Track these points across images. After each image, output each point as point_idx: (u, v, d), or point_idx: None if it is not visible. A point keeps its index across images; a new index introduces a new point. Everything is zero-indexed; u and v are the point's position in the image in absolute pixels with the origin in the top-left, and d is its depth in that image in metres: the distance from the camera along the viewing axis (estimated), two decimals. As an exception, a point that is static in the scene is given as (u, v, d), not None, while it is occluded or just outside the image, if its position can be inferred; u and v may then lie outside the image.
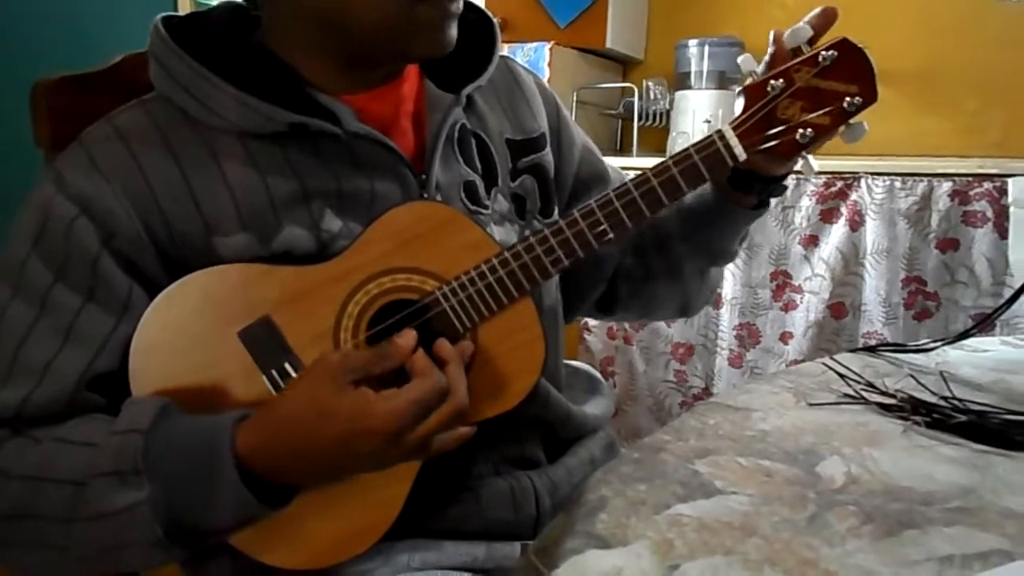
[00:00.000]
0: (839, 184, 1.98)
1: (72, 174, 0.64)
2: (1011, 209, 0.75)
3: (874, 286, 1.97)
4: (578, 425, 0.84)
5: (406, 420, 0.56)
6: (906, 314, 1.95)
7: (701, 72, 2.42)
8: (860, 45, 0.67)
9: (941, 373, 0.71)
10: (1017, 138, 2.21)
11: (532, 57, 2.38)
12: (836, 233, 2.00)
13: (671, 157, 0.65)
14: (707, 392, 2.21)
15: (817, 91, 0.65)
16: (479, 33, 0.78)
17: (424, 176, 0.70)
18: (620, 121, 2.72)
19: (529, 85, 0.85)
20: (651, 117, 2.50)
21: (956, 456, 0.55)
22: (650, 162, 2.35)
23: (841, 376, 0.69)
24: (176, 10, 1.43)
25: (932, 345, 0.79)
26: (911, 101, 2.37)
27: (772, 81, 0.65)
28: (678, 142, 2.43)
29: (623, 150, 2.74)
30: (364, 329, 0.64)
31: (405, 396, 0.56)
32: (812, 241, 2.04)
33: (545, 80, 2.36)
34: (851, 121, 0.67)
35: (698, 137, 2.32)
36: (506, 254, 0.64)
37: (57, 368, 0.61)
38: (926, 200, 1.90)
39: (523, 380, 0.65)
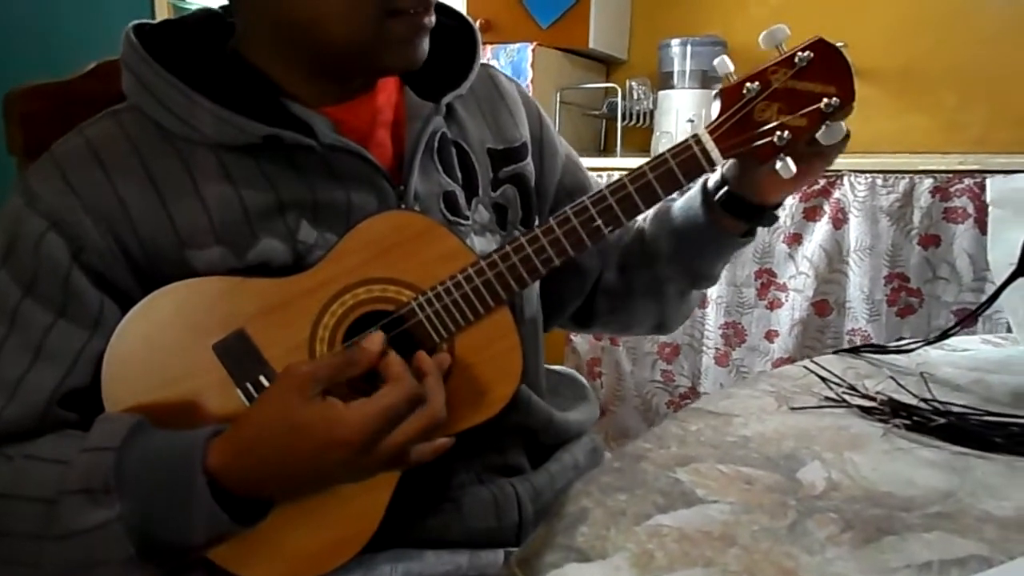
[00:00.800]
0: (822, 182, 1.99)
1: (42, 188, 0.63)
2: (989, 208, 0.75)
3: (858, 283, 1.98)
4: (561, 431, 0.84)
5: (377, 428, 0.55)
6: (889, 311, 1.96)
7: (684, 72, 2.42)
8: (836, 44, 0.66)
9: (922, 374, 0.71)
10: (997, 134, 2.23)
11: (515, 58, 2.37)
12: (819, 231, 2.01)
13: (647, 163, 0.65)
14: (694, 391, 2.22)
15: (794, 92, 0.64)
16: (460, 40, 0.77)
17: (402, 187, 0.70)
18: (604, 121, 2.72)
19: (511, 93, 0.84)
20: (635, 117, 2.50)
21: (936, 459, 0.55)
22: (634, 162, 2.35)
23: (823, 379, 0.69)
24: (153, 16, 1.41)
25: (913, 346, 0.79)
26: (893, 98, 2.38)
27: (748, 83, 0.64)
28: (662, 142, 2.43)
29: (607, 150, 2.74)
30: (340, 340, 0.64)
31: (376, 403, 0.56)
32: (796, 239, 2.04)
33: (528, 81, 2.37)
34: (829, 122, 0.66)
35: (682, 137, 2.32)
36: (482, 263, 0.63)
37: (28, 385, 0.60)
38: (908, 197, 1.91)
39: (502, 389, 0.65)
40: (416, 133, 0.71)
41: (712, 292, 2.12)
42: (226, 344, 0.63)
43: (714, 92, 0.66)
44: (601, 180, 2.27)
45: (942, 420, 0.58)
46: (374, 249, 0.64)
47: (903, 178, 1.91)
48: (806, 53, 0.64)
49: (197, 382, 0.63)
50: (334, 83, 0.69)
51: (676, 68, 2.43)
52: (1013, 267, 0.66)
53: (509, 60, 2.38)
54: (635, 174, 0.65)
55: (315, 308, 0.63)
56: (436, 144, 0.73)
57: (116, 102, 0.69)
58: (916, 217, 1.91)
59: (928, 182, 1.89)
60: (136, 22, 0.70)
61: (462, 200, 0.74)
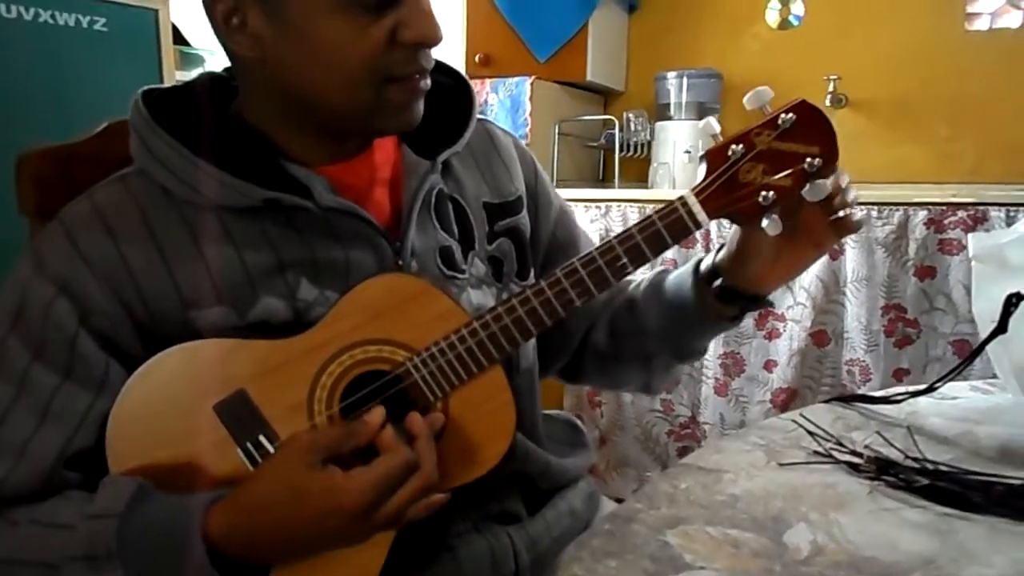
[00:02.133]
0: (818, 214, 2.00)
1: (51, 254, 0.65)
2: (972, 263, 0.77)
3: (855, 314, 1.99)
4: (557, 476, 0.85)
5: (373, 497, 0.57)
6: (887, 341, 1.97)
7: (680, 103, 2.46)
8: (818, 107, 0.67)
9: (908, 428, 0.72)
10: (991, 164, 2.26)
11: (514, 92, 2.41)
12: (816, 262, 2.02)
13: (635, 224, 0.67)
14: (694, 421, 2.22)
15: (778, 153, 0.65)
16: (456, 98, 0.79)
17: (399, 243, 0.72)
18: (602, 152, 2.75)
19: (507, 147, 0.86)
20: (632, 148, 2.53)
21: (920, 521, 0.56)
22: (632, 192, 2.37)
23: (811, 434, 0.71)
24: (161, 76, 1.44)
25: (900, 397, 0.80)
26: (888, 130, 2.41)
27: (733, 146, 0.66)
28: (659, 172, 2.46)
29: (605, 180, 2.77)
30: (337, 400, 0.65)
31: (372, 473, 0.57)
32: (792, 271, 2.06)
33: (527, 114, 2.40)
34: (812, 181, 0.68)
35: (678, 167, 2.34)
36: (475, 324, 0.65)
37: (35, 448, 0.62)
38: (903, 229, 1.93)
39: (495, 446, 0.66)
40: (413, 190, 0.73)
41: (710, 322, 2.13)
42: (227, 404, 0.64)
43: (700, 155, 0.68)
44: (599, 212, 2.28)
45: (924, 481, 0.59)
46: (370, 311, 0.65)
47: (897, 210, 1.93)
48: (789, 115, 0.65)
49: (199, 442, 0.64)
50: (332, 144, 0.71)
51: (673, 100, 2.47)
52: (995, 324, 0.68)
53: (508, 94, 2.42)
54: (624, 235, 0.67)
55: (313, 369, 0.65)
56: (433, 200, 0.75)
57: (125, 162, 0.72)
58: (911, 248, 1.93)
59: (922, 214, 1.91)
60: (145, 88, 0.73)
61: (458, 254, 0.76)
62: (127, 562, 0.56)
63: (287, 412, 0.65)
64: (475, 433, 0.66)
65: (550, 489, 0.85)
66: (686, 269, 0.79)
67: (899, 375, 1.97)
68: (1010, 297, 0.67)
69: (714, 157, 0.66)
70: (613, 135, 2.50)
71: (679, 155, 2.41)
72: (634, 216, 2.20)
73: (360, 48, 0.63)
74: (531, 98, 2.39)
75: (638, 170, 2.58)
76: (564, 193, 2.38)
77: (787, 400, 2.09)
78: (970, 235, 0.75)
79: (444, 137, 0.77)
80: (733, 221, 0.68)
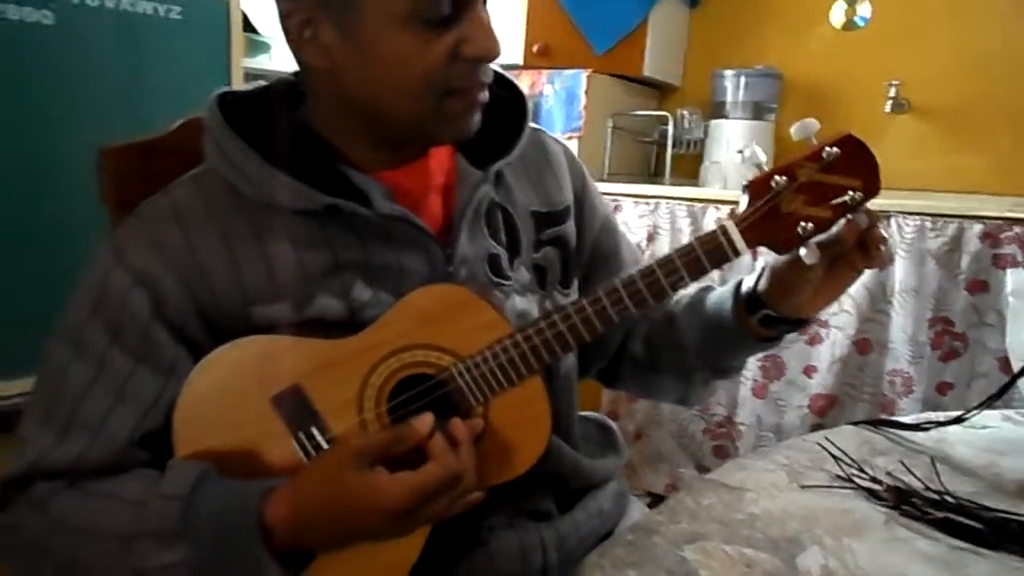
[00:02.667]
0: (869, 222, 1.99)
1: (130, 248, 0.71)
2: (1010, 299, 0.77)
3: (901, 324, 1.98)
4: (588, 476, 0.89)
5: (415, 501, 0.61)
6: (932, 354, 1.95)
7: (737, 102, 2.44)
8: (863, 140, 0.68)
9: (932, 458, 0.74)
10: (1054, 178, 2.20)
11: (569, 84, 2.42)
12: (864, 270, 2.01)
13: (676, 250, 0.69)
14: (730, 421, 2.24)
15: (820, 186, 0.67)
16: (510, 109, 0.83)
17: (450, 250, 0.75)
18: (655, 148, 2.75)
19: (558, 157, 0.89)
20: (685, 145, 2.52)
21: (932, 553, 0.58)
22: (682, 190, 2.35)
23: (834, 458, 0.73)
24: (230, 63, 1.51)
25: (928, 426, 0.82)
26: (946, 137, 2.36)
27: (776, 177, 0.67)
28: (711, 171, 2.46)
29: (656, 176, 2.77)
30: (385, 399, 0.70)
31: (417, 479, 0.62)
32: (841, 276, 2.05)
33: (582, 107, 2.42)
34: (851, 215, 0.69)
35: (730, 167, 2.34)
36: (518, 335, 0.69)
37: (110, 426, 0.68)
38: (956, 241, 1.90)
39: (530, 451, 0.70)
40: (465, 200, 0.77)
41: (753, 324, 2.14)
42: (283, 397, 0.69)
43: (743, 184, 0.70)
44: (648, 208, 2.30)
45: (939, 515, 0.61)
46: (419, 318, 0.70)
47: (952, 222, 1.90)
48: (834, 149, 0.66)
49: (256, 430, 0.70)
50: (390, 151, 0.76)
51: (729, 98, 2.45)
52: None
53: (564, 85, 2.43)
54: (664, 259, 0.69)
55: (364, 368, 0.70)
56: (484, 209, 0.79)
57: (200, 156, 0.77)
58: (964, 262, 1.90)
59: (978, 227, 1.88)
60: (220, 91, 0.78)
61: (505, 262, 0.80)
62: (191, 541, 0.62)
63: (338, 407, 0.70)
64: (512, 438, 0.70)
65: (581, 489, 0.89)
66: (727, 289, 0.81)
67: (943, 389, 1.95)
68: (1041, 338, 0.68)
69: (757, 187, 0.68)
70: (667, 131, 2.50)
71: (732, 154, 2.40)
72: (682, 213, 2.21)
73: (424, 62, 0.67)
74: (587, 91, 2.40)
75: (690, 167, 2.57)
76: (614, 187, 2.42)
77: (825, 407, 2.08)
78: (1009, 270, 0.76)
79: (497, 147, 0.80)
80: (772, 249, 0.70)
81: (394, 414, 0.70)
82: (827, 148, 0.67)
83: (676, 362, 0.88)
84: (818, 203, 0.67)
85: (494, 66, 0.75)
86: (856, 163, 0.67)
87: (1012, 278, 0.76)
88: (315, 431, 0.69)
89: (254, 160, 0.72)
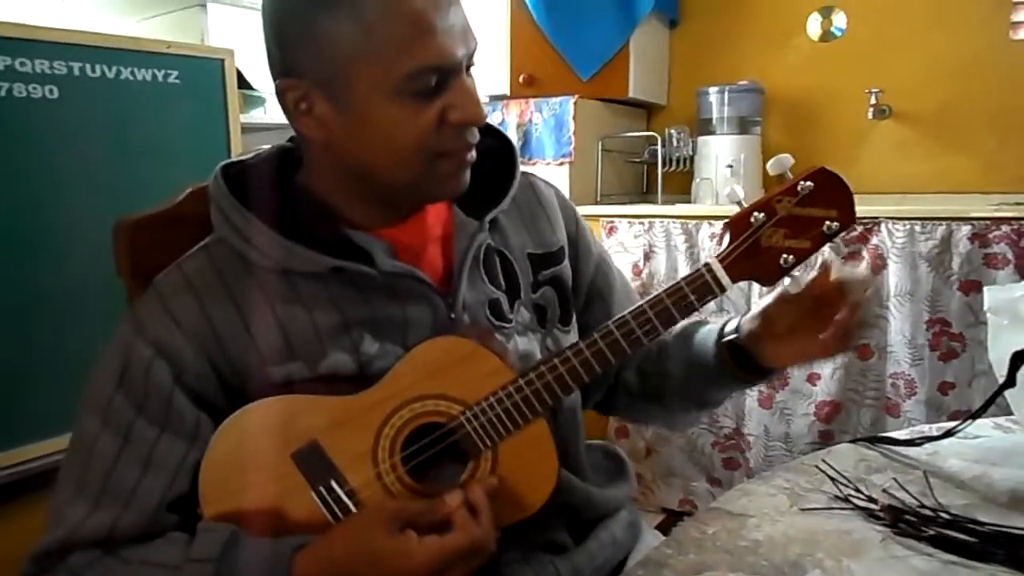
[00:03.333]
0: (859, 229, 2.03)
1: (148, 319, 0.75)
2: (988, 316, 0.81)
3: (899, 328, 2.01)
4: (599, 507, 0.92)
5: (440, 565, 0.65)
6: (932, 355, 1.98)
7: (723, 118, 2.49)
8: (835, 172, 0.71)
9: (925, 473, 0.77)
10: (1038, 173, 2.24)
11: (557, 111, 2.47)
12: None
13: (665, 289, 0.73)
14: (738, 433, 2.26)
15: (798, 219, 0.70)
16: (500, 158, 0.87)
17: (452, 299, 0.79)
18: (645, 167, 2.80)
19: (549, 199, 0.93)
20: (675, 163, 2.57)
21: (925, 569, 0.62)
22: (674, 209, 2.40)
23: (832, 479, 0.76)
24: (228, 119, 1.56)
25: (920, 440, 0.85)
26: (929, 140, 2.41)
27: (755, 213, 0.71)
28: (702, 187, 2.50)
29: (648, 195, 2.81)
30: (399, 449, 0.73)
31: (444, 544, 0.65)
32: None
33: (571, 132, 2.47)
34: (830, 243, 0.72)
35: (720, 182, 2.39)
36: (520, 381, 0.72)
37: (140, 495, 0.72)
38: (946, 243, 1.94)
39: (540, 490, 0.74)
40: (463, 249, 0.81)
41: (754, 336, 2.17)
42: (302, 453, 0.73)
43: (724, 222, 0.74)
44: (643, 228, 2.33)
45: (931, 532, 0.65)
46: (427, 370, 0.73)
47: (940, 224, 1.94)
48: (808, 183, 0.70)
49: (279, 486, 0.73)
50: (388, 209, 0.79)
51: (715, 114, 2.50)
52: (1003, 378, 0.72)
53: (552, 112, 2.48)
54: (654, 300, 0.73)
55: (377, 421, 0.73)
56: (481, 256, 0.83)
57: (205, 224, 0.80)
58: (955, 263, 1.93)
59: (966, 228, 1.92)
60: (224, 163, 0.82)
61: (505, 305, 0.83)
62: None
63: (355, 460, 0.73)
64: (521, 479, 0.73)
65: (593, 519, 0.92)
66: (714, 327, 0.85)
67: (945, 389, 1.99)
68: (1017, 354, 0.71)
69: (737, 224, 0.72)
70: (656, 150, 2.55)
71: (721, 169, 2.45)
72: (677, 231, 2.25)
73: (413, 130, 0.71)
74: (575, 116, 2.45)
75: (681, 184, 2.62)
76: (608, 209, 2.46)
77: (831, 413, 2.11)
78: (985, 288, 0.79)
79: (490, 195, 0.84)
80: (757, 282, 0.74)
81: (407, 463, 0.74)
82: (801, 182, 0.70)
83: (662, 390, 0.92)
84: (797, 235, 0.71)
85: (493, 119, 0.79)
86: (830, 194, 0.70)
87: (988, 295, 0.80)
88: (334, 484, 0.73)
89: (259, 228, 0.76)
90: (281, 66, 0.74)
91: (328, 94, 0.72)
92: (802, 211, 0.70)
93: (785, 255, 0.71)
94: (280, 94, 0.74)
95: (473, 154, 0.77)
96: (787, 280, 0.74)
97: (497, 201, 0.84)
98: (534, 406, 0.73)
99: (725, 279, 0.72)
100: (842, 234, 0.73)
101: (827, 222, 0.70)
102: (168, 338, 0.74)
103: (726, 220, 0.73)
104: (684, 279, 0.73)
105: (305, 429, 0.74)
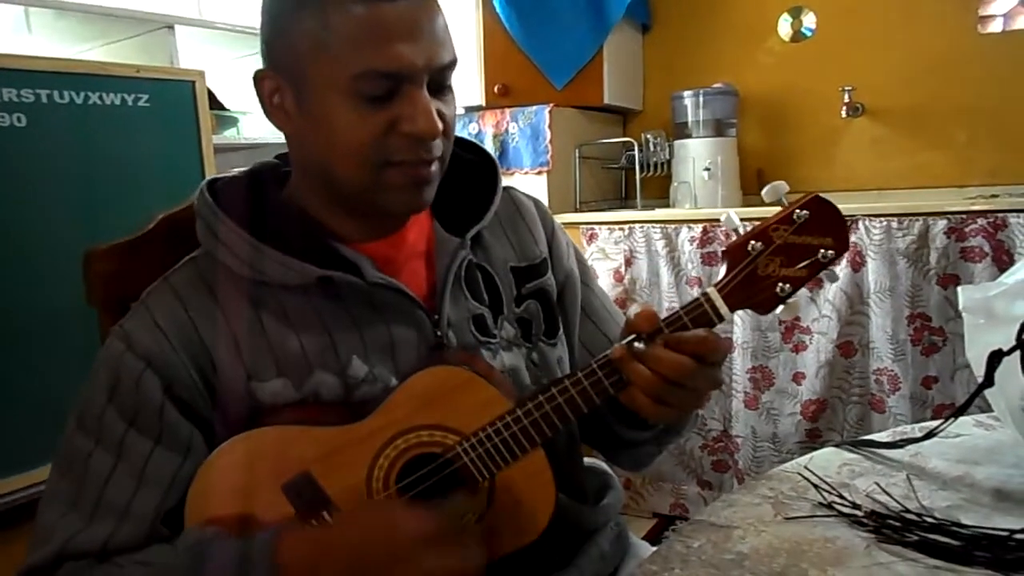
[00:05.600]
0: (838, 227, 2.04)
1: (137, 332, 0.74)
2: (964, 316, 0.81)
3: (880, 324, 2.02)
4: (589, 522, 0.91)
5: (424, 536, 0.64)
6: (914, 350, 2.00)
7: (698, 121, 2.50)
8: (830, 200, 0.69)
9: (908, 476, 0.77)
10: (1008, 166, 2.27)
11: (533, 120, 2.47)
12: (839, 274, 2.06)
13: (664, 319, 0.70)
14: (726, 435, 2.27)
15: (794, 247, 0.69)
16: (481, 173, 0.86)
17: (436, 316, 0.79)
18: (623, 173, 2.80)
19: (530, 211, 0.92)
20: (652, 167, 2.58)
21: (910, 574, 0.62)
22: (654, 213, 2.41)
23: (815, 487, 0.76)
24: (200, 140, 1.55)
25: (902, 442, 0.85)
26: (903, 137, 2.43)
27: (752, 242, 0.69)
28: (680, 191, 2.51)
29: (627, 200, 2.82)
30: (394, 480, 0.72)
31: (433, 512, 0.64)
32: (816, 283, 2.09)
33: (547, 141, 2.47)
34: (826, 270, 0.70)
35: (698, 185, 2.39)
36: (518, 411, 0.71)
37: (135, 509, 0.71)
38: (923, 239, 1.96)
39: (537, 521, 0.73)
40: (445, 267, 0.80)
41: (738, 337, 2.18)
42: (294, 484, 0.72)
43: (722, 251, 0.72)
44: (623, 233, 2.34)
45: (914, 538, 0.64)
46: (422, 400, 0.72)
47: (917, 220, 1.96)
48: (804, 212, 0.69)
49: (268, 517, 0.72)
50: (369, 223, 0.79)
51: (690, 118, 2.52)
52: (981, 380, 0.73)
53: (528, 122, 2.49)
54: (653, 331, 0.69)
55: (371, 452, 0.72)
56: (464, 273, 0.82)
57: (178, 250, 0.80)
58: (933, 258, 1.95)
59: (942, 223, 1.93)
60: (210, 178, 0.82)
61: (490, 320, 0.83)
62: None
63: (348, 491, 0.72)
64: (519, 510, 0.72)
65: (583, 533, 0.91)
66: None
67: (928, 383, 2.00)
68: (993, 353, 0.72)
69: (734, 253, 0.70)
70: (633, 156, 2.56)
71: (699, 172, 2.46)
72: (657, 236, 2.26)
73: (361, 133, 0.71)
74: (551, 125, 2.46)
75: (659, 188, 2.63)
76: (588, 216, 2.47)
77: (817, 411, 2.12)
78: (959, 288, 0.80)
79: (472, 211, 0.84)
80: (754, 311, 0.71)
81: (403, 495, 0.72)
82: (797, 210, 0.69)
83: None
84: (793, 264, 0.69)
85: (469, 131, 0.79)
86: (825, 222, 0.69)
87: (963, 295, 0.80)
88: (326, 515, 0.72)
89: (244, 239, 0.75)
90: (263, 57, 0.76)
91: (293, 88, 0.73)
92: (798, 239, 0.69)
93: (781, 284, 0.69)
94: (256, 83, 0.76)
95: (434, 168, 0.75)
96: (779, 308, 0.72)
97: (479, 217, 0.84)
98: (532, 437, 0.71)
99: (724, 309, 0.70)
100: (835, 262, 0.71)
101: (822, 250, 0.69)
102: (157, 350, 0.73)
103: (723, 249, 0.72)
104: (683, 308, 0.70)
105: (297, 459, 0.72)
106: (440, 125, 0.72)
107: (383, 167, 0.72)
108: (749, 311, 0.71)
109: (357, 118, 0.70)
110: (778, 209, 0.70)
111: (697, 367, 0.67)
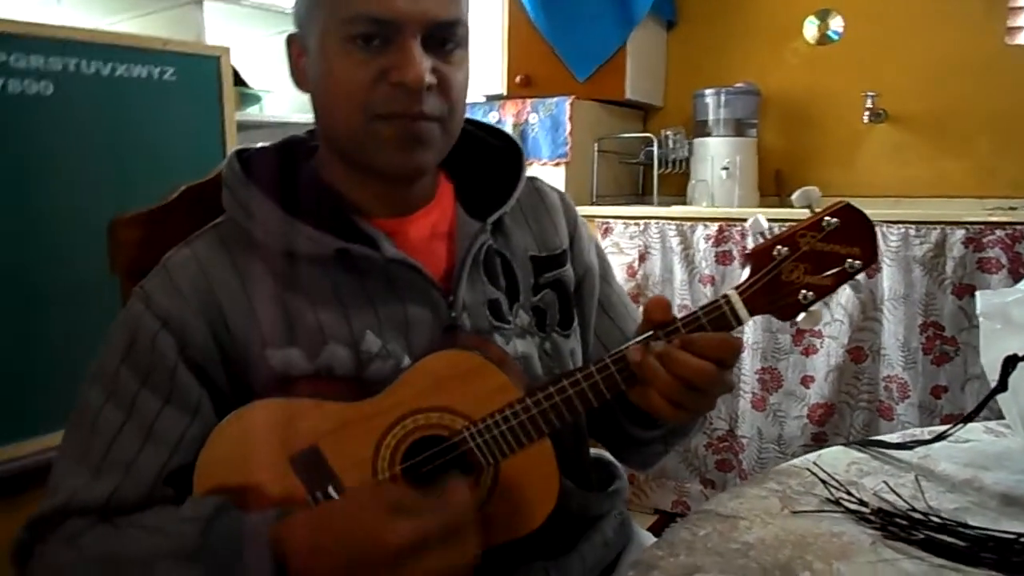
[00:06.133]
0: (854, 232, 2.03)
1: (156, 293, 0.75)
2: (981, 320, 0.81)
3: (892, 331, 2.02)
4: (594, 508, 0.92)
5: (414, 544, 0.61)
6: (925, 359, 1.99)
7: (719, 120, 2.50)
8: (861, 209, 0.68)
9: (916, 477, 0.77)
10: (1032, 178, 2.25)
11: (554, 111, 2.47)
12: (862, 287, 2.04)
13: (682, 318, 0.69)
14: (731, 435, 2.27)
15: (820, 254, 0.67)
16: (506, 159, 0.87)
17: (452, 297, 0.79)
18: (641, 168, 2.80)
19: (554, 203, 0.93)
20: (671, 164, 2.58)
21: (915, 572, 0.62)
22: (670, 210, 2.40)
23: (824, 482, 0.76)
24: (223, 116, 1.56)
25: (912, 443, 0.85)
26: (924, 144, 2.42)
27: (778, 247, 0.68)
28: (697, 189, 2.50)
29: (644, 196, 2.82)
30: (399, 460, 0.73)
31: (416, 525, 0.61)
32: (830, 287, 2.09)
33: (567, 133, 2.47)
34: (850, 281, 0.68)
35: (716, 184, 2.38)
36: (528, 400, 0.71)
37: (139, 466, 0.71)
38: (940, 247, 1.95)
39: (539, 511, 0.73)
40: (464, 250, 0.80)
41: (748, 338, 2.18)
42: (301, 457, 0.73)
43: (745, 253, 0.71)
44: (638, 229, 2.33)
45: (921, 536, 0.65)
46: (433, 382, 0.72)
47: (935, 228, 1.95)
48: (833, 219, 0.67)
49: (274, 489, 0.73)
50: (393, 199, 0.80)
51: (711, 116, 2.51)
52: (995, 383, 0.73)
53: (548, 113, 2.49)
54: (671, 329, 0.69)
55: (380, 429, 0.73)
56: (482, 257, 0.83)
57: (200, 221, 0.81)
58: (949, 267, 1.94)
59: (960, 232, 1.93)
60: (237, 148, 0.83)
61: (505, 307, 0.83)
62: (206, 563, 0.65)
63: (354, 467, 0.72)
64: (521, 498, 0.72)
65: (587, 521, 0.92)
66: None
67: (937, 392, 1.99)
68: (1008, 359, 0.72)
69: (759, 257, 0.69)
70: (652, 152, 2.56)
71: (717, 171, 2.45)
72: (672, 232, 2.26)
73: (353, 81, 0.72)
74: (571, 117, 2.46)
75: (677, 185, 2.62)
76: (603, 210, 2.47)
77: (824, 416, 2.12)
78: (978, 292, 0.80)
79: (495, 197, 0.84)
80: (774, 317, 0.70)
81: (407, 475, 0.73)
82: (827, 218, 0.67)
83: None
84: (818, 272, 0.68)
85: (489, 119, 0.79)
86: (854, 232, 0.67)
87: (981, 300, 0.80)
88: (331, 490, 0.72)
89: (268, 207, 0.76)
90: (294, 22, 0.79)
91: (306, 45, 0.76)
92: (825, 247, 0.67)
93: (805, 291, 0.68)
94: (288, 46, 0.80)
95: (425, 128, 0.75)
96: (801, 316, 0.70)
97: (501, 203, 0.84)
98: (540, 427, 0.71)
99: (743, 312, 0.69)
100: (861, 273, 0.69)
101: (849, 259, 0.67)
102: (175, 311, 0.74)
103: (747, 251, 0.70)
104: (701, 309, 0.70)
105: (306, 432, 0.73)
106: (431, 79, 0.72)
107: (373, 119, 0.73)
108: (771, 317, 0.69)
109: (352, 65, 0.72)
110: (806, 214, 0.68)
111: (716, 371, 0.66)
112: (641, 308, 0.73)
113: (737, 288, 0.69)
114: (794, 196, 0.68)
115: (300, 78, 0.79)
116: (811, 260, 0.68)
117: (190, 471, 0.73)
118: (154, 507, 0.71)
